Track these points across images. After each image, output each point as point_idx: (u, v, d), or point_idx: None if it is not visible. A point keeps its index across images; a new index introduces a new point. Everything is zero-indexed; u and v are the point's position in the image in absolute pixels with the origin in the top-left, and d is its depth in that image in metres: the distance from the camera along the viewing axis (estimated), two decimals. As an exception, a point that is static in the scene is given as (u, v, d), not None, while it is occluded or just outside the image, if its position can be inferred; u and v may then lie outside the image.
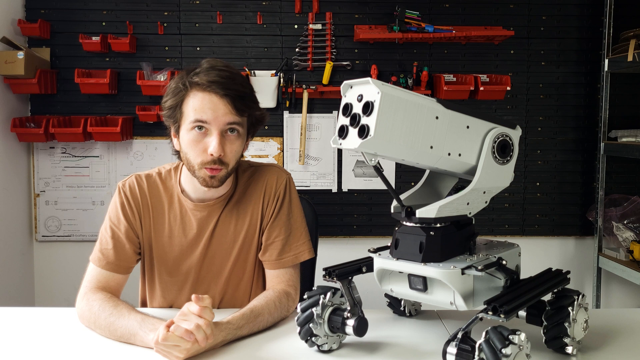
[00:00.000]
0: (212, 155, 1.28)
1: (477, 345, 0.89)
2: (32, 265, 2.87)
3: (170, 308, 1.48)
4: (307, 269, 1.70)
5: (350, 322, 1.07)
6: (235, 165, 1.36)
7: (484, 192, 1.08)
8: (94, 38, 2.68)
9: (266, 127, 2.84)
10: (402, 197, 1.12)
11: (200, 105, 1.28)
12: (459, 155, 1.04)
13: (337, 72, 2.82)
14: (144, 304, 1.53)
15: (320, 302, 1.08)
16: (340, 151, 2.82)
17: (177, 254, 1.43)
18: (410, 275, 1.06)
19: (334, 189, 2.88)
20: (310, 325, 1.08)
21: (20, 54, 2.50)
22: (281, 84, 2.77)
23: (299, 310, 1.11)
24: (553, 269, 1.13)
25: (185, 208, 1.43)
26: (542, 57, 2.88)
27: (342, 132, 0.98)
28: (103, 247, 1.39)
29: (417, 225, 1.04)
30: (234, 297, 1.48)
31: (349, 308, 1.09)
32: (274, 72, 2.76)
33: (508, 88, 2.72)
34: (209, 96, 1.28)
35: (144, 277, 1.50)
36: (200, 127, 1.29)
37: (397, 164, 2.86)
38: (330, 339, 1.11)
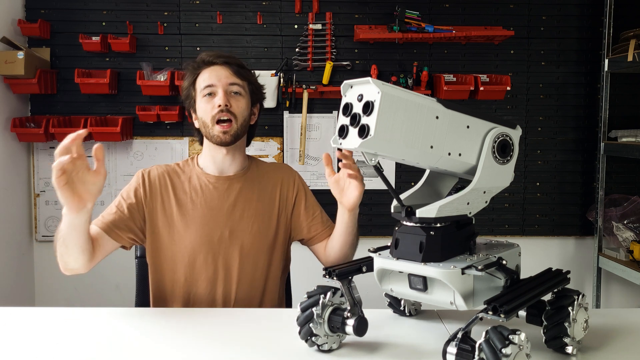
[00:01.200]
0: (219, 106, 1.49)
1: (477, 345, 0.89)
2: (32, 265, 2.87)
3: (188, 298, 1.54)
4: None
5: (350, 322, 1.07)
6: (244, 123, 1.55)
7: (484, 192, 1.08)
8: (94, 38, 2.68)
9: (266, 127, 2.84)
10: (402, 196, 1.12)
11: (208, 75, 1.53)
12: (459, 155, 1.04)
13: (337, 72, 2.82)
14: (162, 294, 1.57)
15: (320, 301, 1.08)
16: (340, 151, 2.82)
17: (200, 224, 1.54)
18: (410, 275, 1.06)
19: (334, 189, 2.87)
20: (310, 325, 1.08)
21: (20, 54, 2.50)
22: (281, 84, 2.77)
23: (299, 310, 1.11)
24: (553, 269, 1.13)
25: (206, 182, 1.58)
26: (542, 57, 2.88)
27: (342, 131, 0.98)
28: (105, 213, 1.54)
29: (417, 225, 1.04)
30: (253, 277, 1.56)
31: (349, 308, 1.09)
32: (274, 72, 2.76)
33: (508, 88, 2.72)
34: (214, 67, 1.54)
35: (160, 262, 1.54)
36: (209, 93, 1.52)
37: (397, 164, 2.86)
38: (330, 339, 1.11)
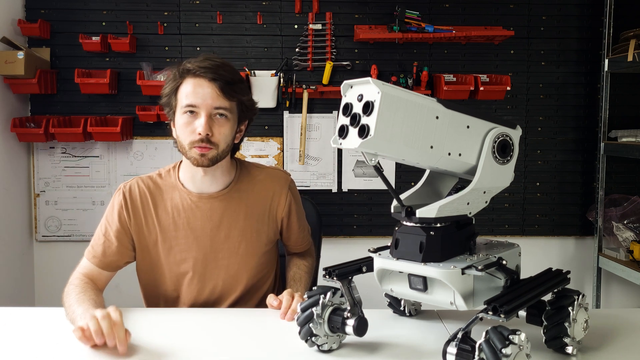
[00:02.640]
0: (199, 134, 1.35)
1: (477, 345, 0.89)
2: (32, 265, 2.87)
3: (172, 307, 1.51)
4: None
5: (350, 322, 1.07)
6: (226, 150, 1.42)
7: (484, 192, 1.08)
8: (94, 38, 2.68)
9: (266, 127, 2.84)
10: (402, 197, 1.12)
11: (191, 90, 1.36)
12: (459, 155, 1.04)
13: (337, 72, 2.82)
14: (149, 305, 1.55)
15: (320, 302, 1.08)
16: (340, 151, 2.83)
17: (183, 247, 1.47)
18: (410, 275, 1.06)
19: (334, 189, 2.88)
20: (310, 325, 1.08)
21: (20, 54, 2.50)
22: (281, 84, 2.77)
23: (299, 310, 1.11)
24: (553, 269, 1.13)
25: (189, 201, 1.48)
26: (542, 57, 2.88)
27: (342, 131, 0.98)
28: (94, 242, 1.49)
29: (417, 225, 1.04)
30: (243, 297, 1.53)
31: (349, 308, 1.09)
32: (274, 72, 2.76)
33: (508, 88, 2.72)
34: (199, 81, 1.36)
35: (148, 278, 1.52)
36: (191, 111, 1.37)
37: (397, 164, 2.86)
38: (330, 339, 1.11)
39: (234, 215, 1.49)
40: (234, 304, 1.53)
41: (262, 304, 1.56)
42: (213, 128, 1.37)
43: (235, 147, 1.51)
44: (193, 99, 1.36)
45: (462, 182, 1.11)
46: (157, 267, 1.50)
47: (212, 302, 1.52)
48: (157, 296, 1.53)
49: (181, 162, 1.52)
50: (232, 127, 1.42)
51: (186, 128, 1.38)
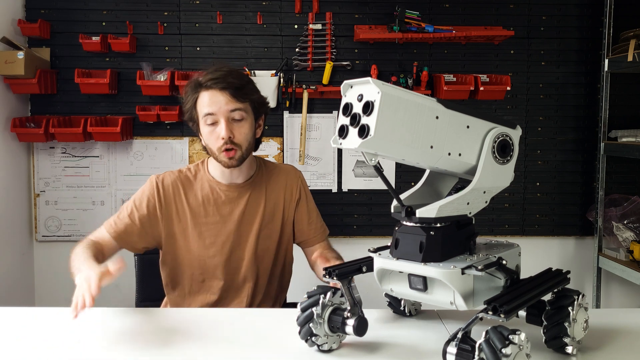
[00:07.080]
0: (223, 138, 1.50)
1: (477, 345, 0.89)
2: (32, 265, 2.87)
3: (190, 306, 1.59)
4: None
5: (350, 322, 1.07)
6: (249, 147, 1.57)
7: (484, 192, 1.08)
8: (94, 38, 2.68)
9: (266, 127, 2.83)
10: (402, 196, 1.12)
11: (207, 101, 1.51)
12: (459, 155, 1.04)
13: (337, 72, 2.82)
14: (180, 291, 1.65)
15: (320, 301, 1.08)
16: (340, 151, 2.83)
17: (213, 232, 1.60)
18: (410, 275, 1.06)
19: (334, 189, 2.88)
20: (310, 325, 1.08)
21: (20, 54, 2.50)
22: (281, 84, 2.77)
23: (299, 310, 1.11)
24: (553, 269, 1.13)
25: (217, 190, 1.62)
26: (542, 57, 2.88)
27: (342, 131, 0.98)
28: (117, 220, 1.59)
29: (417, 225, 1.04)
30: (260, 279, 1.64)
31: (349, 308, 1.09)
32: (274, 72, 2.76)
33: (508, 88, 2.72)
34: (212, 92, 1.51)
35: (175, 264, 1.62)
36: (211, 121, 1.51)
37: (397, 164, 2.86)
38: (330, 339, 1.11)
39: (256, 202, 1.64)
40: (254, 287, 1.63)
41: (281, 293, 1.72)
42: (234, 130, 1.51)
43: (257, 142, 1.64)
44: (210, 108, 1.50)
45: (462, 182, 1.11)
46: (186, 252, 1.60)
47: (237, 285, 1.62)
48: (183, 282, 1.62)
49: (208, 158, 1.66)
50: (250, 126, 1.56)
51: (211, 136, 1.53)
